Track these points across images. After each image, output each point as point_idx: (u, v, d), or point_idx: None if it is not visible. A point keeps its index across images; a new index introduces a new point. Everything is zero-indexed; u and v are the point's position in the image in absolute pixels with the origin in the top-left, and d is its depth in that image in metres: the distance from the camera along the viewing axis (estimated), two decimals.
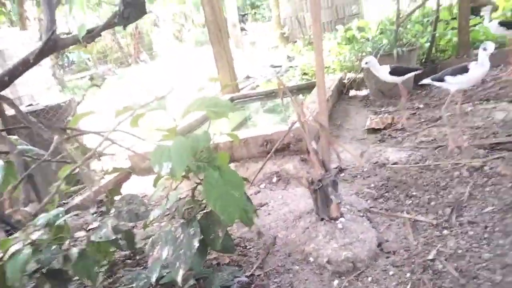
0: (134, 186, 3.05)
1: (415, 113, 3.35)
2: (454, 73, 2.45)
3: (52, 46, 1.15)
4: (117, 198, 1.76)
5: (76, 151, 1.52)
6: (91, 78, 13.46)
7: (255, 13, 17.41)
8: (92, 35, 1.22)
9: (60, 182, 1.63)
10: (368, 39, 4.54)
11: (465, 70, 2.38)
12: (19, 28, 10.23)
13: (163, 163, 1.30)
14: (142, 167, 3.12)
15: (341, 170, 2.70)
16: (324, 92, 2.39)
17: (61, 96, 9.64)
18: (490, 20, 3.51)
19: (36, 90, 8.70)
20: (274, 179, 2.76)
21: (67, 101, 3.37)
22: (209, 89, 6.61)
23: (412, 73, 3.12)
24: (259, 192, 2.62)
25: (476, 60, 2.35)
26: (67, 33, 1.26)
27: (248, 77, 6.41)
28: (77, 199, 2.52)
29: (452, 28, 4.16)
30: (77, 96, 9.90)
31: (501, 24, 3.44)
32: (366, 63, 3.11)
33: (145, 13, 1.29)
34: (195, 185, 1.61)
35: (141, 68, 13.55)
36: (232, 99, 4.83)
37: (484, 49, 2.29)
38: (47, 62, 9.71)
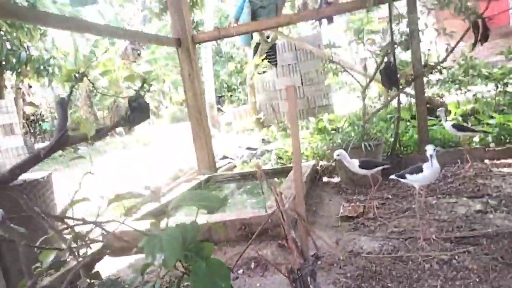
0: (107, 266, 2.94)
1: (384, 203, 3.55)
2: (411, 172, 2.76)
3: (63, 142, 1.26)
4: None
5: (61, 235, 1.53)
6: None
7: (231, 95, 18.49)
8: (100, 134, 1.35)
9: (38, 266, 1.60)
10: (338, 131, 4.93)
11: (420, 170, 2.69)
12: None
13: (156, 254, 1.34)
14: (116, 247, 3.04)
15: (317, 258, 2.75)
16: (301, 184, 2.56)
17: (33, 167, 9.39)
18: (446, 120, 4.00)
19: (5, 159, 8.45)
20: (252, 265, 2.76)
21: (45, 176, 3.34)
22: (187, 166, 6.70)
23: (380, 168, 3.41)
24: (237, 278, 2.60)
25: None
26: (73, 130, 1.37)
27: (225, 157, 6.60)
28: (46, 280, 2.40)
29: (413, 126, 4.65)
30: (50, 167, 9.66)
31: (453, 126, 3.94)
32: (338, 155, 3.40)
33: (149, 117, 1.45)
34: (181, 274, 1.62)
35: (116, 140, 13.60)
36: (209, 179, 4.92)
37: (425, 150, 2.63)
38: (19, 131, 9.61)
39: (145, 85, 1.53)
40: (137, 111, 1.36)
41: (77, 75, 1.62)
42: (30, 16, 2.86)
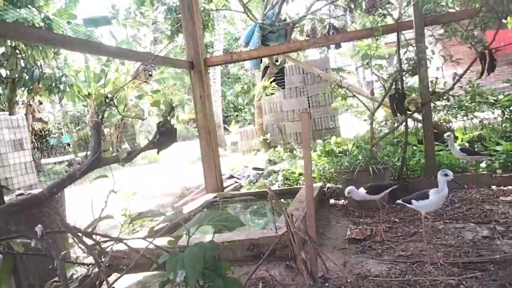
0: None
1: (391, 226, 3.58)
2: (417, 198, 2.79)
3: (96, 164, 1.36)
4: None
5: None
6: (70, 164, 13.39)
7: (237, 115, 18.75)
8: (130, 156, 1.44)
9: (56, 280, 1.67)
10: (345, 153, 5.01)
11: (426, 196, 2.72)
12: (8, 113, 10.51)
13: (177, 271, 1.41)
14: (127, 264, 3.07)
15: (325, 279, 2.79)
16: (313, 207, 2.63)
17: (34, 178, 9.46)
18: (453, 145, 4.06)
19: (13, 173, 8.58)
20: (260, 285, 2.78)
21: (59, 194, 3.43)
22: (192, 184, 6.78)
23: (388, 190, 3.46)
24: None
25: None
26: (107, 150, 1.47)
27: (231, 177, 6.67)
28: None
29: (420, 151, 4.71)
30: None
31: (462, 150, 4.00)
32: (349, 192, 3.50)
33: (176, 141, 1.55)
34: None
35: None
36: (216, 198, 4.97)
37: (446, 175, 2.66)
38: (28, 146, 9.76)
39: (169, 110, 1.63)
40: (164, 136, 1.46)
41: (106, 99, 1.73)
42: (58, 41, 3.02)
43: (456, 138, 4.98)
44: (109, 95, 1.73)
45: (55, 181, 1.37)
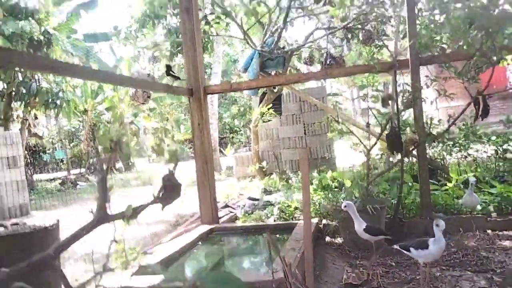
0: None
1: (388, 271, 3.55)
2: (416, 247, 2.79)
3: (102, 220, 1.36)
4: None
5: None
6: (62, 182, 13.22)
7: (232, 137, 18.79)
8: (136, 213, 1.44)
9: None
10: (341, 188, 5.00)
11: (426, 245, 2.72)
12: (3, 128, 10.41)
13: None
14: None
15: None
16: (311, 252, 2.61)
17: (26, 196, 9.30)
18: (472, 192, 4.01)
19: (5, 192, 8.43)
20: None
21: (54, 225, 3.38)
22: (187, 211, 6.71)
23: (383, 237, 3.48)
24: None
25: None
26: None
27: (226, 206, 6.61)
28: None
29: (416, 189, 4.73)
30: (47, 200, 9.59)
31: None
32: (345, 206, 3.48)
33: (180, 195, 1.55)
34: None
35: (115, 177, 13.61)
36: (212, 231, 4.91)
37: (437, 225, 2.67)
38: (22, 163, 9.62)
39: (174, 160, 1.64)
40: (169, 190, 1.47)
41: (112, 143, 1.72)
42: (62, 69, 3.06)
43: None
44: (115, 136, 1.72)
45: (60, 241, 1.37)
